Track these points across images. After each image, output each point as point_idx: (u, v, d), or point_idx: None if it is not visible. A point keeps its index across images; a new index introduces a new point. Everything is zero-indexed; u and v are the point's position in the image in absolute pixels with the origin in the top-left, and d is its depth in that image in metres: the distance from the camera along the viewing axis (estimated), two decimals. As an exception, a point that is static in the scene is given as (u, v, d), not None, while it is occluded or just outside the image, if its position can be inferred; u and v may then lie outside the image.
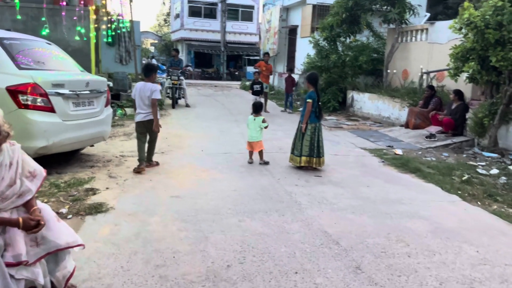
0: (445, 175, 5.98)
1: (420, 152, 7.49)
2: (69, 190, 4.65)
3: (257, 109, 6.51)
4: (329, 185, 5.36)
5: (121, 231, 3.66)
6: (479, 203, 4.98)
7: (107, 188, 4.80)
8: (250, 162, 6.32)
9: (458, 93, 8.53)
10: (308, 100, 5.95)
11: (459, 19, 7.23)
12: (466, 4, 7.02)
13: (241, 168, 6.03)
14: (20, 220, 2.36)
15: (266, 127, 6.40)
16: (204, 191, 4.86)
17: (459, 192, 5.31)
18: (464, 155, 7.32)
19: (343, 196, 4.92)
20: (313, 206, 4.52)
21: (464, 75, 7.90)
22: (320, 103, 6.11)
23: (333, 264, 3.23)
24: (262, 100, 12.09)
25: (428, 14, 18.24)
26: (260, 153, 6.37)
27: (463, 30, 7.25)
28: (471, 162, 6.76)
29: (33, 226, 2.37)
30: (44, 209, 2.65)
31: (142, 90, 5.60)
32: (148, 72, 5.79)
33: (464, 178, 5.82)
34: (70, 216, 3.92)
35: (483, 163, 6.69)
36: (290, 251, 3.40)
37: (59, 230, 2.63)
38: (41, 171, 2.57)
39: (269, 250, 3.41)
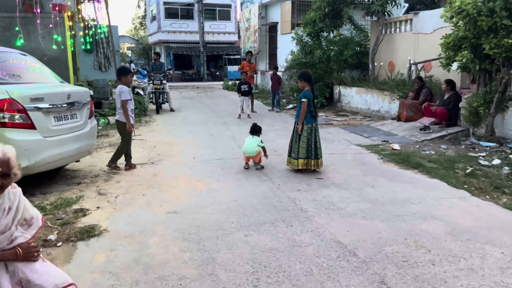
0: (448, 168, 5.80)
1: (417, 146, 7.31)
2: (57, 212, 4.27)
3: (255, 131, 6.23)
4: (333, 187, 5.11)
5: (119, 257, 3.32)
6: (487, 196, 4.80)
7: (97, 207, 4.44)
8: (247, 168, 6.04)
9: (450, 83, 8.39)
10: (303, 100, 5.66)
11: (449, 7, 7.06)
12: (456, -8, 6.85)
13: (238, 174, 5.73)
14: (19, 250, 2.15)
15: (263, 147, 6.12)
16: (202, 204, 4.54)
17: (465, 186, 5.13)
18: (463, 146, 7.17)
19: (349, 199, 4.67)
20: (321, 212, 4.25)
21: (455, 65, 7.76)
22: (315, 102, 5.85)
23: (355, 279, 2.96)
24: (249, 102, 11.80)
25: (407, 5, 18.20)
26: (259, 159, 6.11)
27: (453, 19, 7.07)
28: (471, 154, 6.60)
29: (35, 252, 2.22)
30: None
31: (116, 92, 5.91)
32: (118, 75, 6.12)
33: (468, 171, 5.64)
34: (60, 243, 3.56)
35: (484, 154, 6.54)
36: (306, 268, 3.12)
37: (45, 272, 2.32)
38: (38, 219, 2.35)
39: (283, 268, 3.12)
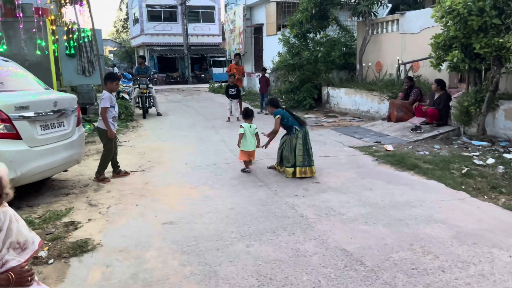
0: (443, 169, 5.76)
1: (410, 146, 7.28)
2: (46, 226, 4.06)
3: (249, 115, 6.18)
4: (331, 192, 5.01)
5: (115, 274, 3.15)
6: (485, 197, 4.76)
7: (89, 219, 4.24)
8: (249, 171, 5.94)
9: (440, 83, 8.40)
10: (277, 116, 5.82)
11: (439, 7, 7.05)
12: (446, -9, 6.84)
13: (233, 180, 5.58)
14: (11, 274, 1.98)
15: (256, 133, 6.10)
16: (198, 213, 4.38)
17: (463, 187, 5.09)
18: (456, 146, 7.16)
19: (349, 204, 4.57)
20: (322, 219, 4.14)
21: (445, 64, 7.77)
22: (293, 114, 5.99)
23: (366, 290, 2.85)
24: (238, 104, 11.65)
25: (390, 5, 18.33)
26: (250, 162, 6.00)
27: (443, 19, 7.06)
28: (465, 153, 6.59)
29: (28, 276, 2.05)
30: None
31: (100, 99, 5.74)
32: (104, 80, 5.93)
33: (463, 171, 5.61)
34: (51, 260, 3.36)
35: (477, 153, 6.53)
36: (313, 279, 3.00)
37: None
38: (34, 243, 2.18)
39: (290, 280, 2.99)
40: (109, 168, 5.81)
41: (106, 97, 5.55)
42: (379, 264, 3.19)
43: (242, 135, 5.97)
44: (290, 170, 5.65)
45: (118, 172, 5.85)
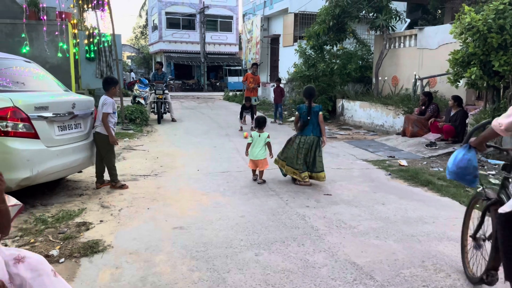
0: (458, 187, 5.68)
1: (425, 162, 7.21)
2: (58, 225, 4.11)
3: (261, 124, 6.16)
4: (342, 204, 4.98)
5: (124, 276, 3.17)
6: (501, 217, 4.67)
7: (101, 221, 4.29)
8: (255, 179, 5.95)
9: (457, 99, 8.32)
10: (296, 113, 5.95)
11: (459, 23, 7.02)
12: (466, 8, 6.81)
13: (244, 188, 5.59)
14: None
15: (268, 143, 6.06)
16: (209, 219, 4.39)
17: (477, 205, 4.99)
18: (471, 164, 7.05)
19: (360, 217, 4.53)
20: (332, 231, 4.11)
21: (462, 81, 7.71)
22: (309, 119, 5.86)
23: (375, 305, 2.81)
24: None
25: (409, 20, 18.29)
26: (261, 172, 5.95)
27: (463, 35, 7.02)
28: (480, 172, 6.49)
29: None
30: (39, 261, 2.19)
31: (100, 104, 5.36)
32: (106, 85, 5.51)
33: (478, 189, 5.51)
34: (62, 259, 3.40)
35: (493, 172, 6.43)
36: (322, 291, 2.97)
37: None
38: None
39: (298, 291, 2.97)
40: (124, 171, 5.87)
41: (109, 102, 5.31)
42: (389, 280, 3.15)
43: (249, 145, 6.03)
44: (317, 174, 5.84)
45: (101, 182, 5.50)
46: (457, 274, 3.25)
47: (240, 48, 32.93)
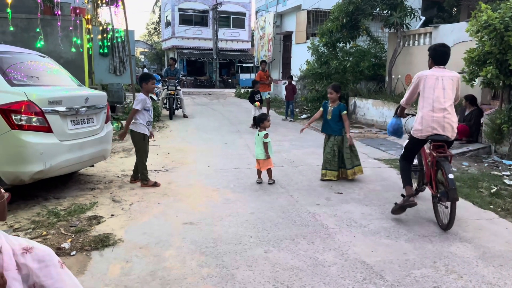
0: (471, 187, 5.59)
1: (437, 162, 7.10)
2: (70, 219, 4.16)
3: (258, 123, 5.91)
4: (353, 203, 4.94)
5: (134, 270, 3.19)
6: (515, 218, 4.59)
7: (112, 215, 4.33)
8: (259, 182, 5.71)
9: (472, 99, 8.18)
10: (344, 112, 5.96)
11: (475, 21, 6.89)
12: (483, 6, 6.68)
13: (254, 185, 5.59)
14: None
15: (266, 143, 5.71)
16: (219, 215, 4.40)
17: (491, 206, 4.92)
18: (485, 164, 6.95)
19: (371, 216, 4.49)
20: (343, 230, 4.09)
21: (478, 80, 7.58)
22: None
23: (385, 305, 2.79)
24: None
25: (424, 18, 18.05)
26: (269, 171, 5.74)
27: (479, 33, 6.89)
28: (495, 172, 6.38)
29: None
30: (47, 252, 2.22)
31: None
32: (139, 82, 5.60)
33: (492, 190, 5.44)
34: (73, 252, 3.44)
35: (508, 173, 6.32)
36: (331, 290, 2.96)
37: (60, 279, 2.20)
38: None
39: (307, 289, 2.96)
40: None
41: (140, 99, 5.31)
42: (400, 280, 3.12)
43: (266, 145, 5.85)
44: (349, 171, 5.93)
45: (136, 178, 5.58)
46: (469, 276, 3.20)
47: (253, 45, 32.86)
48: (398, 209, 4.44)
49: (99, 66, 12.50)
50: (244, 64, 35.10)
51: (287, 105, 13.16)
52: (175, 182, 5.65)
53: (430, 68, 4.41)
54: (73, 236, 3.75)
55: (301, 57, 17.04)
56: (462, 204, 5.01)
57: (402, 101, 4.71)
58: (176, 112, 12.97)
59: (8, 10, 6.51)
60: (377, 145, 8.71)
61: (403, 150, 4.72)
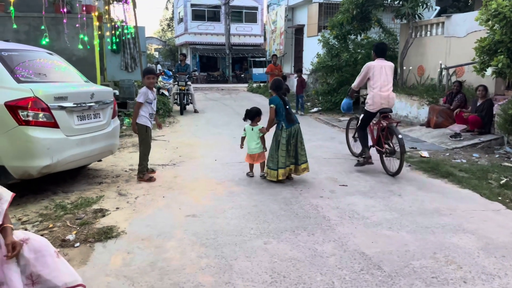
0: (480, 179, 5.52)
1: (447, 154, 7.02)
2: (76, 212, 4.26)
3: (252, 116, 5.73)
4: (357, 195, 4.93)
5: (135, 261, 3.26)
6: (523, 210, 4.52)
7: (117, 208, 4.42)
8: (251, 176, 5.72)
9: (483, 89, 8.03)
10: (271, 106, 5.41)
11: (485, 10, 6.75)
12: (493, -7, 6.55)
13: (259, 178, 5.62)
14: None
15: (262, 136, 5.71)
16: (222, 208, 4.45)
17: (500, 198, 4.85)
18: (497, 156, 6.84)
19: (375, 208, 4.48)
20: (344, 221, 4.09)
21: (489, 70, 7.43)
22: (288, 107, 5.46)
23: (380, 295, 2.79)
24: None
25: (438, 8, 17.71)
26: (262, 164, 5.72)
27: (489, 22, 6.75)
28: (506, 163, 6.28)
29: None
30: (43, 243, 2.31)
31: None
32: (142, 76, 5.81)
33: (502, 181, 5.35)
34: (77, 244, 3.53)
35: (519, 164, 6.21)
36: (327, 280, 2.97)
37: (56, 268, 2.28)
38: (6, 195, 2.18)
39: (303, 279, 2.99)
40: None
41: (142, 92, 5.44)
42: (398, 270, 3.11)
43: (243, 138, 5.87)
44: (273, 172, 5.37)
45: (146, 170, 5.61)
46: (469, 267, 3.18)
47: (265, 39, 32.77)
48: (360, 165, 6.06)
49: (111, 63, 12.65)
50: (257, 59, 35.04)
51: (296, 99, 13.14)
52: (181, 176, 5.72)
53: (373, 60, 6.03)
54: (78, 228, 3.85)
55: (313, 50, 16.93)
56: (469, 195, 4.96)
57: (354, 85, 6.26)
58: (187, 107, 13.07)
59: (11, 8, 6.66)
60: (387, 138, 8.62)
61: (360, 122, 6.26)
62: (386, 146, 5.93)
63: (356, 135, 6.74)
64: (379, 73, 5.85)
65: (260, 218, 4.15)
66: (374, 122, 6.25)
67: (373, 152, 6.23)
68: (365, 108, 6.03)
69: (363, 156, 6.03)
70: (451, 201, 4.73)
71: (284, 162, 5.33)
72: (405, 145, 5.54)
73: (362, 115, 6.23)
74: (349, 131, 7.37)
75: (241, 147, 5.97)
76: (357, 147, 6.73)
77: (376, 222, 4.08)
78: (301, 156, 5.46)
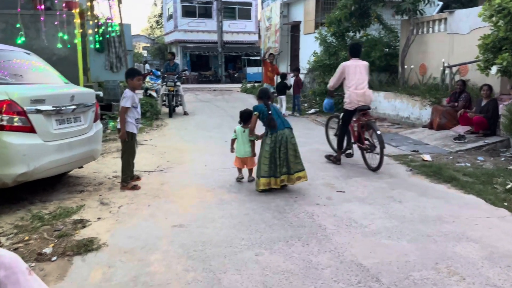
0: (485, 183, 5.53)
1: (451, 157, 7.04)
2: (55, 223, 4.21)
3: (245, 118, 5.76)
4: (355, 202, 4.92)
5: (116, 275, 3.22)
6: (531, 216, 4.52)
7: (98, 218, 4.37)
8: (241, 178, 5.75)
9: (488, 88, 8.07)
10: (254, 113, 5.43)
11: (488, 5, 6.79)
12: (497, -12, 6.59)
13: (252, 185, 5.59)
14: None
15: (255, 140, 5.70)
16: (211, 217, 4.42)
17: (506, 204, 4.86)
18: (502, 159, 6.86)
19: (373, 215, 4.47)
20: (341, 230, 4.07)
21: (494, 68, 7.46)
22: (270, 113, 5.30)
23: (378, 310, 2.77)
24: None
25: (441, 3, 17.82)
26: (250, 170, 5.77)
27: (493, 18, 6.79)
28: (512, 167, 6.30)
29: None
30: (13, 259, 2.25)
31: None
32: (125, 78, 5.64)
33: (508, 186, 5.36)
34: (55, 257, 3.48)
35: (526, 167, 6.23)
36: (322, 294, 2.95)
37: (28, 286, 2.23)
38: None
39: (296, 293, 2.96)
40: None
41: (128, 96, 5.30)
42: (397, 282, 3.09)
43: (233, 141, 5.84)
44: (256, 181, 5.33)
45: (132, 177, 5.54)
46: (473, 278, 3.17)
47: (260, 37, 32.87)
48: (330, 161, 6.77)
49: (95, 63, 12.61)
50: (251, 57, 35.09)
51: (293, 99, 13.16)
52: (168, 183, 5.69)
53: (348, 60, 6.63)
54: (55, 240, 3.80)
55: (310, 48, 16.96)
56: (474, 201, 4.96)
57: (329, 85, 6.90)
58: (176, 109, 13.04)
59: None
60: (388, 140, 8.60)
61: (341, 122, 6.83)
62: (367, 142, 6.49)
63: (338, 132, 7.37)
64: (353, 72, 6.38)
65: (252, 228, 4.12)
66: (354, 119, 6.74)
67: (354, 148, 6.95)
68: (344, 107, 6.62)
69: (335, 159, 6.76)
70: (454, 207, 4.73)
71: (267, 171, 5.17)
72: (383, 141, 6.10)
73: (341, 115, 6.85)
74: (328, 129, 7.97)
75: (232, 151, 5.91)
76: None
77: (375, 231, 4.06)
78: (295, 165, 5.27)
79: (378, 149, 6.14)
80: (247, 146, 5.71)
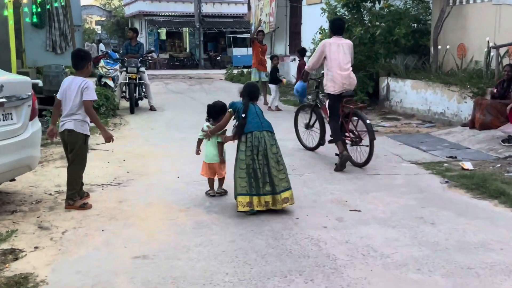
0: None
1: (498, 165, 7.14)
2: (-23, 254, 4.18)
3: (215, 114, 5.88)
4: (374, 224, 4.96)
5: (58, 323, 3.20)
6: None
7: (36, 247, 4.35)
8: (213, 195, 5.82)
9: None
10: (229, 110, 5.57)
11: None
12: None
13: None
14: None
15: (221, 142, 5.79)
16: (185, 245, 4.43)
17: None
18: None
19: (398, 242, 4.51)
20: (356, 261, 4.10)
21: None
22: (244, 116, 5.38)
23: None
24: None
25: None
26: (222, 179, 5.89)
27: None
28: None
29: None
30: None
31: (69, 88, 5.32)
32: (79, 62, 5.51)
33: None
34: (-24, 301, 3.45)
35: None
36: None
37: None
38: None
39: None
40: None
41: (91, 86, 5.32)
42: (428, 330, 3.11)
43: (200, 141, 5.92)
44: (236, 200, 5.24)
45: (81, 195, 5.55)
46: (527, 323, 3.19)
47: (250, 8, 33.03)
48: (339, 167, 6.88)
49: (32, 42, 12.59)
50: (238, 35, 35.24)
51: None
52: (129, 200, 5.70)
53: (330, 37, 7.36)
54: (-22, 278, 3.77)
55: (315, 23, 17.02)
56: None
57: (308, 66, 7.57)
58: (140, 103, 13.07)
59: None
60: (417, 144, 8.75)
61: (329, 111, 7.34)
62: (351, 134, 7.16)
63: (311, 123, 8.22)
64: (336, 51, 7.04)
65: (239, 259, 4.13)
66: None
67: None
68: (326, 91, 7.22)
69: (341, 154, 6.91)
70: (502, 231, 4.78)
71: (246, 187, 5.15)
72: (373, 132, 6.86)
73: (327, 102, 7.40)
74: (298, 120, 8.57)
75: (197, 153, 6.02)
76: (312, 139, 8.23)
77: (400, 262, 4.09)
78: (279, 181, 5.25)
79: (365, 142, 6.85)
80: (213, 149, 5.83)
